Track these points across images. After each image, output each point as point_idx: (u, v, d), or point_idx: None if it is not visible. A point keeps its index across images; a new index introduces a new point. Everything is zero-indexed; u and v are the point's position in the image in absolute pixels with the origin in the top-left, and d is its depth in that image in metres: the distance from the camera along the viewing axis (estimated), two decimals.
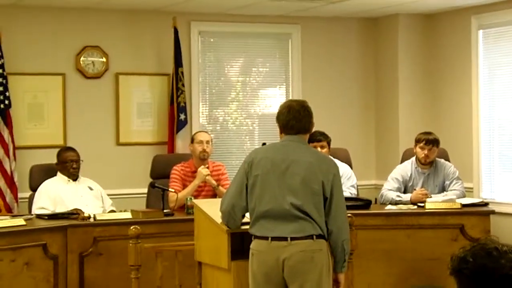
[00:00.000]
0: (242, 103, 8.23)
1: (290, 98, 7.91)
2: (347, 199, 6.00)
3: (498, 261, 2.26)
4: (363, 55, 8.54)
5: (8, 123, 7.08)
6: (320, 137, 6.66)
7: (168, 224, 6.10)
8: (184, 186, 6.60)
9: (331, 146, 6.79)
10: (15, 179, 7.07)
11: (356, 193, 6.92)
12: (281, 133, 4.43)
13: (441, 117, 8.15)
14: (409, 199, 6.65)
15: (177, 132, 7.58)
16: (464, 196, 6.78)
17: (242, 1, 7.31)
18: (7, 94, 7.06)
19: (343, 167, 6.69)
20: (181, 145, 7.52)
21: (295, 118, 4.35)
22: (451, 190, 6.76)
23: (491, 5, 7.48)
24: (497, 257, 2.27)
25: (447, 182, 6.82)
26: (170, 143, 7.63)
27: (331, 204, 4.24)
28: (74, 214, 6.09)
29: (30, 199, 6.52)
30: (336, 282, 4.37)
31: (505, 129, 7.61)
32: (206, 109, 8.04)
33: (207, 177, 6.58)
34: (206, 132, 7.03)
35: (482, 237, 6.02)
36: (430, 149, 6.76)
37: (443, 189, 6.81)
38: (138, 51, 7.72)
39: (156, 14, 7.68)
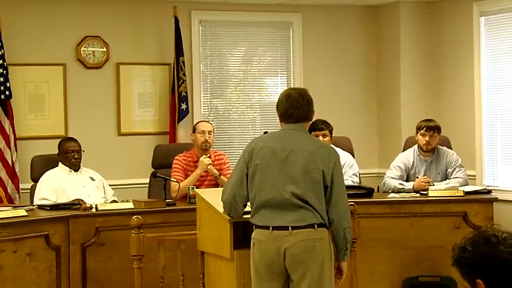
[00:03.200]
0: (244, 92, 8.22)
1: (292, 87, 7.88)
2: (350, 187, 6.02)
3: (496, 247, 2.27)
4: (364, 43, 8.51)
5: (9, 114, 7.07)
6: (322, 126, 6.64)
7: (170, 213, 6.09)
8: (186, 176, 6.59)
9: (333, 134, 6.77)
10: (17, 170, 7.06)
11: (358, 181, 6.91)
12: (281, 121, 4.41)
13: (443, 104, 8.13)
14: (411, 187, 6.63)
15: (178, 122, 7.57)
16: (466, 184, 6.77)
17: None
18: (7, 84, 7.04)
19: (345, 156, 6.68)
20: (183, 135, 7.51)
21: (293, 107, 4.32)
22: (453, 177, 6.75)
23: None
24: (495, 244, 2.27)
25: (449, 170, 6.81)
26: (172, 133, 7.62)
27: (331, 192, 4.23)
28: (76, 204, 6.08)
29: (32, 190, 6.51)
30: (339, 270, 4.36)
31: (508, 116, 7.59)
32: (207, 99, 8.02)
33: (209, 167, 6.57)
34: (208, 122, 7.01)
35: (484, 225, 6.05)
36: (431, 135, 6.74)
37: (445, 176, 6.80)
38: (139, 40, 7.70)
39: (156, 3, 7.65)
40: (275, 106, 4.44)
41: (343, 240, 4.28)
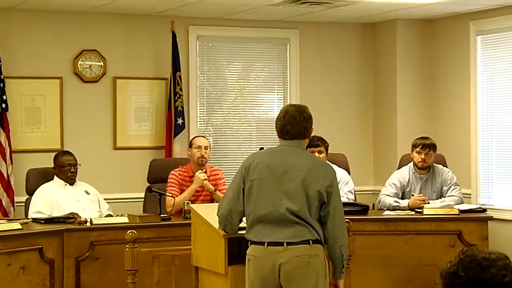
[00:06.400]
0: (240, 108, 8.22)
1: (288, 103, 7.89)
2: (345, 204, 5.98)
3: (489, 271, 2.25)
4: (361, 60, 8.53)
5: (5, 127, 7.06)
6: (318, 142, 6.65)
7: (165, 228, 6.09)
8: (182, 191, 6.59)
9: (329, 151, 6.78)
10: (12, 183, 7.04)
11: (353, 198, 6.91)
12: (278, 137, 4.42)
13: (439, 122, 8.14)
14: (406, 204, 6.64)
15: (174, 136, 7.56)
16: (462, 202, 6.77)
17: (240, 6, 7.30)
18: (4, 97, 7.04)
19: (340, 173, 6.68)
20: (179, 150, 7.50)
21: (290, 123, 4.33)
22: (449, 196, 6.75)
23: (490, 11, 7.48)
24: (487, 267, 2.26)
25: (445, 188, 6.81)
26: (168, 148, 7.61)
27: (328, 210, 4.22)
28: (71, 218, 6.07)
29: (27, 203, 6.50)
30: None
31: (503, 135, 7.60)
32: (203, 114, 8.02)
33: (204, 182, 6.57)
34: (204, 137, 7.02)
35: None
36: (427, 153, 6.75)
37: (440, 194, 6.81)
38: (136, 55, 7.70)
39: (154, 18, 7.66)
40: (273, 122, 4.45)
41: (340, 257, 4.28)
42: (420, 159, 6.76)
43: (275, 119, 4.42)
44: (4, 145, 7.02)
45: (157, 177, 6.91)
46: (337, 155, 7.22)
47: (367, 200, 7.46)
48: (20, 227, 5.74)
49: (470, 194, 7.61)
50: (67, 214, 6.15)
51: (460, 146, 7.82)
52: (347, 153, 7.49)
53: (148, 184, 6.83)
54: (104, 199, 6.68)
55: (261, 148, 4.76)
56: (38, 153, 7.24)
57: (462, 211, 6.48)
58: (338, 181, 4.44)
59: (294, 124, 4.32)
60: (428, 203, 6.61)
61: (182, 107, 7.60)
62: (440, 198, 6.77)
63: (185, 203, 6.26)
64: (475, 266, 2.27)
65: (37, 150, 7.29)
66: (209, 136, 7.82)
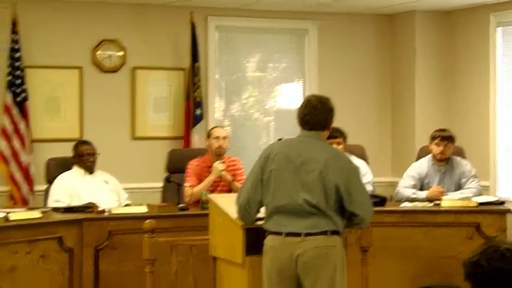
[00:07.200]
0: (258, 99, 8.22)
1: (307, 94, 7.89)
2: None
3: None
4: (379, 51, 8.51)
5: (25, 116, 7.10)
6: (336, 134, 6.62)
7: (183, 218, 6.10)
8: (200, 181, 6.60)
9: (347, 142, 6.77)
10: (31, 172, 7.09)
11: (372, 189, 6.90)
12: (300, 126, 4.41)
13: (458, 114, 8.11)
14: (425, 196, 6.62)
15: (193, 126, 7.59)
16: (480, 195, 6.74)
17: None
18: (24, 87, 7.08)
19: (359, 164, 6.66)
20: (197, 140, 7.53)
21: (310, 114, 4.33)
22: (467, 188, 6.72)
23: (510, 3, 7.44)
24: (510, 258, 2.26)
25: (463, 180, 6.78)
26: (186, 138, 7.63)
27: (352, 200, 4.21)
28: (90, 207, 6.10)
29: (46, 192, 6.54)
30: None
31: None
32: (222, 104, 8.03)
33: (222, 172, 6.58)
34: (222, 127, 7.02)
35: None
36: (446, 145, 6.73)
37: (459, 187, 6.78)
38: (155, 45, 7.73)
39: (173, 8, 7.68)
40: (290, 113, 4.46)
41: (354, 227, 4.36)
42: (438, 151, 6.73)
43: (297, 108, 4.42)
44: (24, 134, 7.07)
45: (175, 167, 6.93)
46: (355, 146, 7.20)
47: (385, 191, 7.44)
48: (39, 215, 5.77)
49: (488, 186, 7.59)
50: (86, 204, 6.18)
51: (478, 138, 7.79)
52: (365, 144, 7.47)
53: (167, 174, 6.84)
54: (123, 188, 6.71)
55: (280, 139, 4.76)
56: (57, 143, 7.28)
57: (480, 204, 6.45)
58: None
59: (315, 114, 4.32)
60: (447, 195, 6.59)
61: (201, 98, 7.62)
62: (459, 190, 6.75)
63: (203, 193, 6.27)
64: (498, 257, 2.28)
65: (57, 139, 7.33)
66: (228, 126, 7.83)
